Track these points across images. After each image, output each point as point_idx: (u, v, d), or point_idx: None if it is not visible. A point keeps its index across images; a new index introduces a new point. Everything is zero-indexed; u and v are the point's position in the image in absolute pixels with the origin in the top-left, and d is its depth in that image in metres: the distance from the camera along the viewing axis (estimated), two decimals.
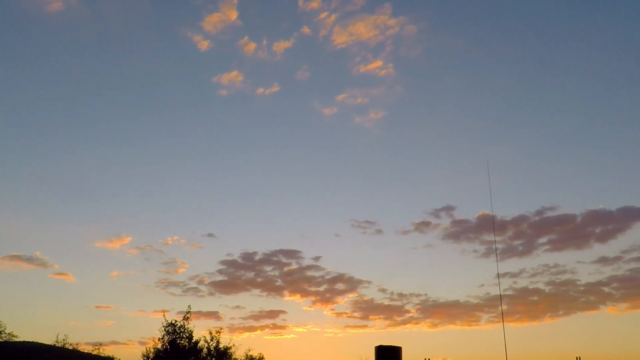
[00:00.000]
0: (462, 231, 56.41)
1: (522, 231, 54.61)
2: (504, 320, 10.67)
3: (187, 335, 25.36)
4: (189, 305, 26.17)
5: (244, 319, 53.31)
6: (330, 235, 65.27)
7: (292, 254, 55.13)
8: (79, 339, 29.42)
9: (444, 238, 57.04)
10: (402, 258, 62.24)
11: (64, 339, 28.38)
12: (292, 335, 52.23)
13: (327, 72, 69.37)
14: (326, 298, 54.69)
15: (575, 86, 67.69)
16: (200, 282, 53.15)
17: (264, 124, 69.94)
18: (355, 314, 53.45)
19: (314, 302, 54.57)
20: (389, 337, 51.60)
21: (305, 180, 69.39)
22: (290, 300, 55.34)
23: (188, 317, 25.66)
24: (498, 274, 11.78)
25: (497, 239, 55.47)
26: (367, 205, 69.62)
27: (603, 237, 52.06)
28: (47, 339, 28.73)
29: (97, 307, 51.56)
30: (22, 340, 27.78)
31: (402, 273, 61.98)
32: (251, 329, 50.19)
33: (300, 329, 53.21)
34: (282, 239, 71.55)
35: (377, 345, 7.79)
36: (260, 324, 51.53)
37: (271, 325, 51.15)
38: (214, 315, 48.02)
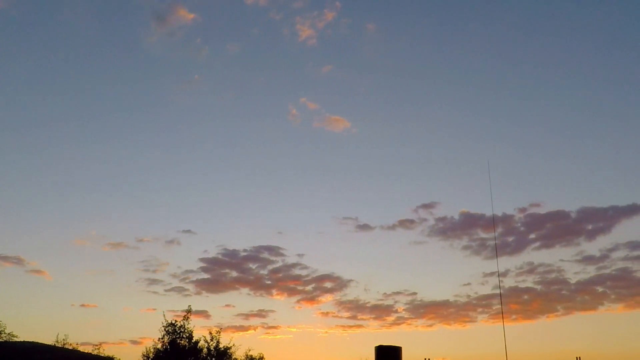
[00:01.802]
0: (447, 229, 56.36)
1: (511, 229, 54.65)
2: (503, 320, 10.71)
3: (187, 335, 25.41)
4: (189, 305, 26.27)
5: (233, 318, 52.71)
6: (313, 232, 65.32)
7: (276, 251, 54.80)
8: (69, 338, 29.15)
9: (430, 235, 56.97)
10: (387, 256, 62.40)
11: (64, 339, 28.44)
12: (288, 336, 52.12)
13: (287, 72, 70.48)
14: (314, 297, 54.46)
15: (570, 83, 68.07)
16: (183, 280, 52.65)
17: (237, 121, 70.41)
18: (345, 314, 53.32)
19: (301, 301, 54.28)
20: (384, 337, 51.41)
21: (285, 176, 69.54)
22: (278, 299, 54.88)
23: (188, 317, 25.74)
24: (498, 272, 11.74)
25: (485, 236, 55.53)
26: (350, 202, 70.41)
27: (594, 236, 52.10)
28: (47, 339, 28.80)
29: (82, 305, 51.19)
30: (22, 340, 27.81)
31: (389, 271, 61.73)
32: (242, 328, 49.85)
33: (294, 329, 53.05)
34: (263, 236, 71.36)
35: (377, 345, 7.84)
36: (251, 324, 51.34)
37: (262, 325, 50.77)
38: (203, 314, 47.35)
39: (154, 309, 51.89)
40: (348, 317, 52.93)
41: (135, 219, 64.21)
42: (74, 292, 54.86)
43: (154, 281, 52.47)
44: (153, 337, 25.53)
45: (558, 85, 68.63)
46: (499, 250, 53.53)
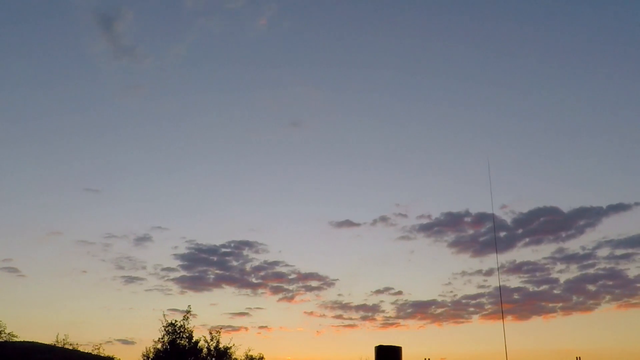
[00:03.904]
0: (432, 225, 56.22)
1: (497, 227, 54.46)
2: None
3: (187, 335, 25.34)
4: (189, 305, 26.16)
5: (219, 317, 52.20)
6: (284, 229, 65.67)
7: (255, 249, 54.48)
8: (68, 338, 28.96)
9: (413, 233, 56.85)
10: (370, 254, 62.29)
11: (64, 339, 28.42)
12: (279, 335, 51.59)
13: (249, 67, 71.03)
14: (299, 296, 54.13)
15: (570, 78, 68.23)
16: (162, 278, 52.12)
17: (208, 118, 70.87)
18: (333, 313, 52.90)
19: (286, 300, 53.90)
20: (376, 337, 51.22)
21: (258, 174, 69.67)
22: (264, 298, 54.20)
23: (188, 317, 25.67)
24: (498, 269, 11.67)
25: (471, 232, 55.52)
26: (326, 200, 70.10)
27: (584, 235, 52.17)
28: (47, 339, 28.77)
29: (65, 305, 51.09)
30: (22, 340, 27.80)
31: (373, 270, 61.39)
32: (230, 328, 49.12)
33: (285, 329, 52.62)
34: (235, 233, 70.65)
35: (377, 345, 7.77)
36: (238, 323, 50.70)
37: (251, 325, 50.34)
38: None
39: (137, 308, 51.94)
40: (335, 317, 52.66)
41: (103, 217, 64.20)
42: (52, 290, 54.52)
43: (132, 279, 51.77)
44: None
45: (553, 83, 68.94)
46: (485, 248, 53.57)
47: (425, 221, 56.30)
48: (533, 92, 69.37)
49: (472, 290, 52.83)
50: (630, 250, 49.38)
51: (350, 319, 51.96)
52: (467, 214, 55.10)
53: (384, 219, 57.21)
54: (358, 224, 58.28)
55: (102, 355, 28.59)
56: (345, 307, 52.43)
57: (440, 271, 60.26)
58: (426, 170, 69.29)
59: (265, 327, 50.01)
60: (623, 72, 66.84)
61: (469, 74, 70.64)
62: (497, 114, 70.66)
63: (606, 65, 67.80)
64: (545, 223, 53.02)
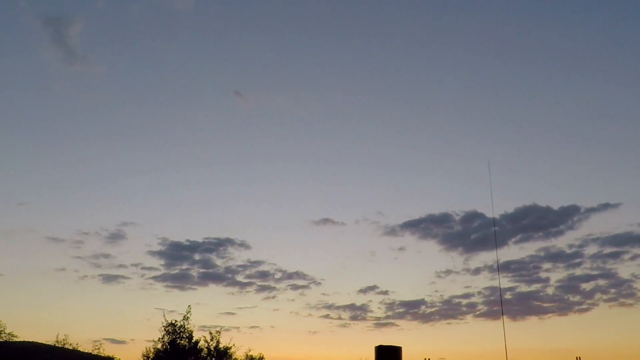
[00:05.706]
0: (420, 223, 56.39)
1: (489, 225, 54.56)
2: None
3: (187, 335, 25.39)
4: (189, 305, 26.20)
5: (206, 317, 52.25)
6: (279, 229, 65.77)
7: (235, 247, 54.44)
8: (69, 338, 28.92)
9: (402, 232, 57.03)
10: (357, 253, 62.32)
11: (63, 339, 28.45)
12: (271, 335, 51.38)
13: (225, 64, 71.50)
14: (285, 295, 53.97)
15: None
16: (143, 276, 52.09)
17: (181, 115, 71.55)
18: (319, 313, 52.73)
19: (269, 299, 53.58)
20: (369, 337, 51.18)
21: (240, 169, 69.88)
22: (249, 297, 53.82)
23: (188, 317, 25.72)
24: (498, 267, 11.75)
25: (459, 228, 55.71)
26: (316, 201, 70.69)
27: (575, 234, 53.34)
28: (47, 339, 28.79)
29: (49, 304, 50.92)
30: (22, 340, 27.82)
31: (361, 270, 61.24)
32: (222, 328, 49.11)
33: (278, 329, 52.34)
34: (213, 231, 69.98)
35: (377, 345, 7.82)
36: (225, 322, 50.59)
37: (241, 325, 50.16)
38: (175, 313, 46.85)
39: (122, 307, 52.22)
40: (323, 317, 52.53)
41: (73, 213, 63.83)
42: (35, 288, 53.86)
43: (112, 277, 51.57)
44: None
45: (546, 84, 69.14)
46: (475, 247, 53.52)
47: (411, 219, 56.90)
48: (525, 94, 69.86)
49: (459, 289, 53.10)
50: (617, 249, 50.16)
51: (340, 318, 51.97)
52: (456, 212, 55.42)
53: (366, 217, 57.61)
54: (342, 223, 58.57)
55: (102, 355, 28.62)
56: (331, 306, 52.43)
57: (426, 270, 59.84)
58: (416, 169, 69.64)
59: (257, 327, 49.93)
60: (616, 75, 67.14)
61: (462, 74, 70.91)
62: (492, 114, 71.01)
63: (599, 68, 68.15)
64: (534, 221, 53.51)
